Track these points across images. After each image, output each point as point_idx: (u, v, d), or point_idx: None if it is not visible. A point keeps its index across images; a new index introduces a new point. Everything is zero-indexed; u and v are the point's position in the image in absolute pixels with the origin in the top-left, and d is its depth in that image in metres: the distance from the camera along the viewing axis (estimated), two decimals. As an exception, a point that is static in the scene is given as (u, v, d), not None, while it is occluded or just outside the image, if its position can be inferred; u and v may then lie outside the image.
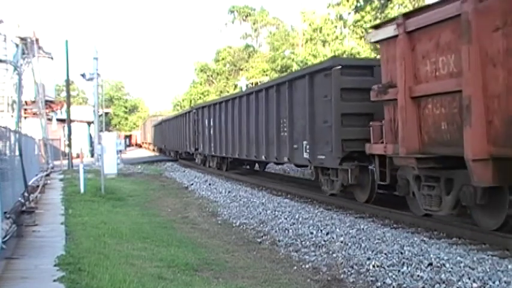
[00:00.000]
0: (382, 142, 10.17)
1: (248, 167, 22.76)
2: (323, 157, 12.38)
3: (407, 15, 9.35)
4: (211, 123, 23.49)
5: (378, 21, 24.85)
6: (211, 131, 23.54)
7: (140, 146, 73.91)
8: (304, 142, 13.32)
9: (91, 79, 29.01)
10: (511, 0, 6.74)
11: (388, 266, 7.09)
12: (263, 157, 16.74)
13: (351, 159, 11.57)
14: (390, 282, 6.54)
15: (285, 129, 14.58)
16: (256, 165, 22.52)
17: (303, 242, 9.13)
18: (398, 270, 6.86)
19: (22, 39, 27.48)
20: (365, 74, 11.49)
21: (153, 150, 55.58)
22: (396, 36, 9.33)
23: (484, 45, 7.48)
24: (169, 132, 38.46)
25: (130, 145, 73.09)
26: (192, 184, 20.43)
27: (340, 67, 11.63)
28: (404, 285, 6.38)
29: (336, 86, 11.58)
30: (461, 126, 7.84)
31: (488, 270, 6.43)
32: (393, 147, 9.67)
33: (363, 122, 11.16)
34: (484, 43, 7.48)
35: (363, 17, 28.61)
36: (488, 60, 7.43)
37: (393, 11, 26.81)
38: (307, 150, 13.17)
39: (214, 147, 23.11)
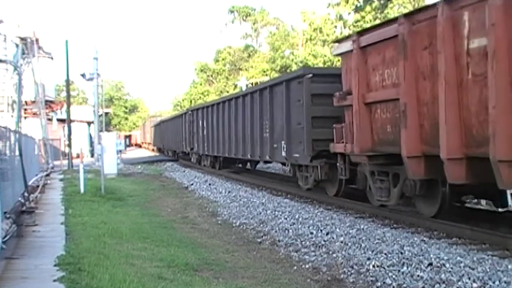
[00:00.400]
0: (343, 142, 11.43)
1: (241, 165, 23.75)
2: (297, 155, 13.77)
3: (360, 33, 10.83)
4: (205, 124, 24.89)
5: (377, 21, 24.95)
6: (205, 132, 24.88)
7: (140, 146, 74.45)
8: (282, 142, 14.72)
9: (91, 79, 29.01)
10: (434, 25, 8.24)
11: (388, 266, 7.09)
12: (249, 155, 18.22)
13: (320, 157, 12.88)
14: (390, 282, 6.54)
15: (267, 130, 16.08)
16: (248, 164, 23.40)
17: (303, 242, 9.13)
18: (398, 270, 6.86)
19: (22, 39, 27.48)
20: (333, 82, 12.35)
21: (153, 150, 56.54)
22: (352, 50, 10.74)
23: (416, 61, 8.89)
24: (167, 133, 39.81)
25: (130, 145, 73.18)
26: (192, 184, 20.44)
27: (311, 75, 13.14)
28: (404, 285, 6.38)
29: (307, 92, 13.03)
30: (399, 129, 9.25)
31: (488, 270, 6.43)
32: (351, 146, 10.92)
33: (331, 124, 12.18)
34: (416, 59, 8.90)
35: (363, 17, 28.60)
36: (420, 73, 8.83)
37: (393, 11, 26.81)
38: (285, 149, 14.59)
39: (208, 146, 24.43)
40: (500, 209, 10.27)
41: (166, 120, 43.32)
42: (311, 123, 13.01)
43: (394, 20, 9.84)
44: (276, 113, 15.38)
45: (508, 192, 9.44)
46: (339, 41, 12.57)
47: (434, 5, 8.48)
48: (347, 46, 11.13)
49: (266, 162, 19.71)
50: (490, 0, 7.17)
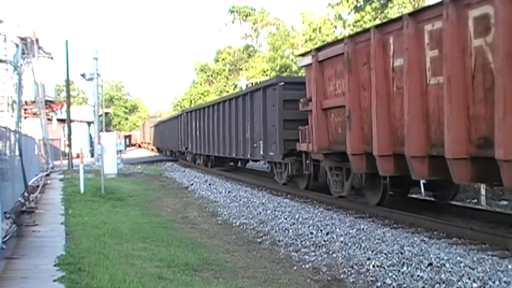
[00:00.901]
0: (306, 142, 13.17)
1: (232, 164, 25.11)
2: (272, 154, 15.75)
3: (318, 49, 12.66)
4: (198, 126, 26.84)
5: (377, 21, 24.97)
6: (198, 132, 26.83)
7: (140, 146, 74.95)
8: (260, 142, 16.68)
9: (91, 79, 29.02)
10: (369, 46, 10.01)
11: (388, 266, 7.09)
12: (234, 154, 20.27)
13: (291, 155, 14.71)
14: (390, 282, 6.54)
15: (248, 131, 18.03)
16: (239, 162, 24.72)
17: (303, 242, 9.13)
18: (398, 270, 6.86)
19: (22, 39, 27.47)
20: (302, 89, 13.57)
21: (152, 149, 57.63)
22: (311, 64, 12.53)
23: (358, 75, 10.65)
24: (165, 133, 41.63)
25: (130, 145, 73.32)
26: (192, 184, 20.44)
27: (283, 83, 15.17)
28: (404, 285, 6.38)
29: (279, 98, 14.98)
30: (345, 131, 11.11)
31: (488, 270, 6.43)
32: (312, 145, 12.75)
33: (299, 126, 13.74)
34: (358, 73, 10.64)
35: (362, 17, 28.59)
36: (361, 85, 10.57)
37: (393, 11, 26.79)
38: (262, 149, 16.58)
39: (200, 146, 26.30)
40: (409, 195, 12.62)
41: (164, 121, 44.78)
42: (283, 125, 14.88)
43: (342, 39, 11.63)
44: (255, 116, 17.29)
45: (421, 182, 11.45)
46: (302, 54, 14.45)
47: (368, 29, 10.47)
48: (308, 60, 12.88)
49: (254, 160, 21.52)
50: (405, 29, 8.96)
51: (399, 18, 9.42)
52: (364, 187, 11.56)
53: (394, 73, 9.54)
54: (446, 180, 8.57)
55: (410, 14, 9.12)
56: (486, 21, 7.35)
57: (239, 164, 24.97)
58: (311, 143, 12.82)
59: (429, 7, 8.88)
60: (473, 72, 7.69)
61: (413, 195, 12.98)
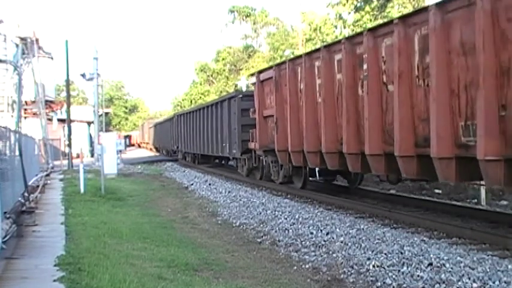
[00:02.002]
0: (254, 141, 16.96)
1: (217, 160, 27.91)
2: (235, 151, 19.52)
3: (260, 71, 16.70)
4: (185, 128, 30.71)
5: (378, 21, 24.98)
6: (186, 134, 30.78)
7: (139, 146, 75.66)
8: (227, 142, 20.47)
9: (91, 79, 29.01)
10: (287, 73, 13.76)
11: (388, 266, 7.08)
12: (212, 152, 23.91)
13: (248, 152, 18.33)
14: (390, 282, 6.54)
15: (219, 133, 21.80)
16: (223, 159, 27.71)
17: (303, 242, 9.13)
18: (398, 270, 6.86)
19: (22, 39, 27.48)
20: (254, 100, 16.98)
21: (150, 149, 59.53)
22: (255, 82, 16.50)
23: (282, 93, 14.34)
24: (162, 134, 45.33)
25: (130, 145, 73.49)
26: (192, 184, 20.45)
27: (241, 96, 19.22)
28: (404, 285, 6.38)
29: (238, 107, 18.84)
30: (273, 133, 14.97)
31: (488, 270, 6.43)
32: (256, 144, 16.62)
33: (250, 130, 17.44)
34: (282, 91, 14.35)
35: (362, 16, 28.58)
36: (284, 100, 14.14)
37: (393, 10, 26.77)
38: (228, 147, 20.41)
39: (188, 145, 30.19)
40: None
41: (160, 123, 48.41)
42: (241, 129, 18.55)
43: (271, 67, 15.66)
44: (223, 121, 21.06)
45: (317, 169, 14.21)
46: (251, 74, 18.91)
47: (285, 61, 14.55)
48: (253, 79, 16.96)
49: (224, 157, 24.77)
50: (303, 64, 12.86)
51: (300, 56, 13.54)
52: (292, 175, 15.37)
53: (300, 93, 13.22)
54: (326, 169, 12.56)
55: (307, 54, 13.16)
56: (339, 64, 11.31)
57: (223, 161, 27.62)
58: (256, 142, 16.62)
59: (315, 50, 12.95)
60: (337, 96, 11.43)
61: (339, 183, 16.39)
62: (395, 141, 9.26)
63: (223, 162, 26.56)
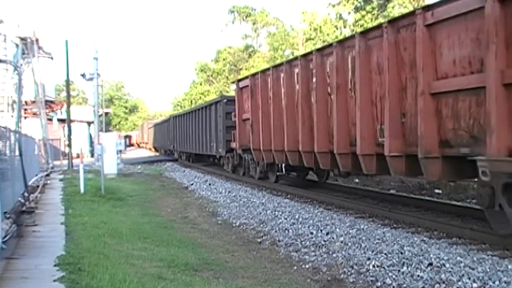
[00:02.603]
0: (235, 141, 19.20)
1: (211, 159, 29.08)
2: (220, 150, 21.74)
3: (239, 80, 19.27)
4: (180, 128, 33.00)
5: (379, 21, 24.97)
6: (181, 134, 33.03)
7: (138, 145, 76.54)
8: (215, 142, 22.68)
9: (91, 79, 28.99)
10: (260, 82, 16.06)
11: (388, 266, 7.08)
12: (201, 151, 26.34)
13: (231, 151, 20.61)
14: (390, 282, 6.53)
15: (208, 134, 24.09)
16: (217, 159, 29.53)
17: (303, 242, 9.13)
18: (398, 270, 6.86)
19: (22, 39, 27.49)
20: None
21: (150, 149, 60.77)
22: (236, 89, 18.85)
23: (256, 99, 16.51)
24: (159, 134, 47.68)
25: (130, 145, 73.70)
26: (192, 184, 20.45)
27: (226, 100, 21.35)
28: (404, 285, 6.38)
29: (223, 110, 21.01)
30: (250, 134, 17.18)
31: (488, 270, 6.43)
32: (236, 144, 18.94)
33: (232, 131, 19.58)
34: (256, 98, 16.48)
35: (363, 16, 28.60)
36: (257, 105, 16.26)
37: (394, 10, 26.79)
38: (215, 147, 22.72)
39: (183, 145, 32.46)
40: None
41: (158, 124, 50.74)
42: (225, 130, 20.62)
43: (247, 76, 18.05)
44: (212, 123, 23.20)
45: (283, 165, 16.57)
46: (233, 82, 20.94)
47: (257, 73, 17.14)
48: (234, 86, 19.26)
49: (212, 155, 26.66)
50: (270, 76, 15.27)
51: (269, 68, 15.75)
52: (267, 171, 17.61)
53: (270, 100, 15.23)
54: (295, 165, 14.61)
55: (274, 66, 15.59)
56: (297, 77, 13.50)
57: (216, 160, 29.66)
58: (236, 142, 18.89)
59: (280, 64, 15.20)
60: (296, 103, 13.59)
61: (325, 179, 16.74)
62: (334, 141, 11.42)
63: (215, 160, 27.19)
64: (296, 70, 13.56)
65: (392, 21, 9.72)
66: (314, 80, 12.43)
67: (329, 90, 11.89)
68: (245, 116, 17.76)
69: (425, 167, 8.79)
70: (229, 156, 21.21)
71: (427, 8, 8.79)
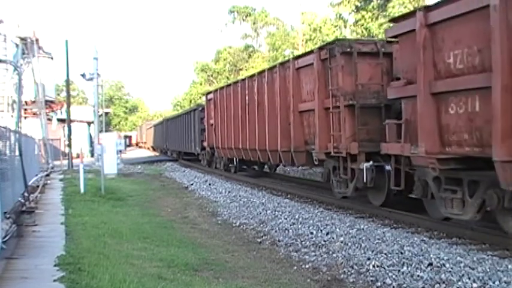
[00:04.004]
0: (206, 141, 24.65)
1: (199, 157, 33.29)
2: (197, 148, 27.68)
3: (208, 93, 25.21)
4: (171, 130, 38.34)
5: (379, 21, 24.92)
6: (171, 135, 38.40)
7: (137, 145, 78.11)
8: (193, 141, 28.66)
9: (91, 79, 28.99)
10: (217, 95, 21.95)
11: (388, 266, 7.08)
12: (185, 149, 32.11)
13: (204, 149, 26.35)
14: (390, 282, 6.53)
15: (189, 135, 29.92)
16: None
17: (303, 242, 9.13)
18: (398, 270, 6.86)
19: (22, 39, 27.47)
20: None
21: (148, 148, 63.10)
22: (206, 100, 24.56)
23: (218, 109, 21.72)
24: (156, 135, 52.02)
25: (130, 145, 73.91)
26: (192, 184, 20.44)
27: (200, 108, 26.96)
28: (404, 285, 6.38)
29: (198, 117, 27.01)
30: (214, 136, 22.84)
31: (488, 270, 6.43)
32: (207, 143, 24.40)
33: (204, 132, 25.63)
34: (218, 108, 21.84)
35: (363, 16, 28.57)
36: (218, 114, 21.60)
37: (395, 10, 26.73)
38: (193, 145, 28.54)
39: (173, 145, 37.92)
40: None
41: (155, 125, 55.03)
42: (200, 132, 26.71)
43: (211, 91, 24.27)
44: (191, 126, 28.91)
45: (236, 160, 21.44)
46: (203, 94, 28.26)
47: (216, 89, 22.52)
48: (205, 98, 25.30)
49: (191, 153, 31.63)
50: (231, 89, 20.21)
51: (223, 87, 21.73)
52: (229, 165, 22.55)
53: (226, 109, 20.45)
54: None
55: (227, 85, 21.11)
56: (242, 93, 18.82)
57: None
58: (206, 142, 24.89)
59: (229, 84, 21.01)
60: (243, 112, 18.51)
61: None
62: (266, 141, 16.01)
63: (198, 157, 31.36)
64: (239, 89, 19.09)
65: (282, 63, 15.24)
66: (247, 98, 18.05)
67: (256, 105, 16.96)
68: (211, 122, 23.24)
69: (296, 157, 14.15)
70: (204, 153, 26.88)
71: (296, 57, 14.37)
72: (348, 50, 11.41)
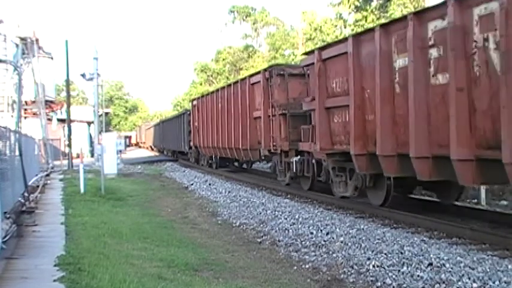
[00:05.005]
0: (192, 140, 28.42)
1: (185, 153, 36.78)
2: (186, 147, 31.26)
3: (193, 99, 29.97)
4: (166, 131, 42.05)
5: (381, 21, 24.95)
6: (166, 135, 42.06)
7: (137, 144, 78.95)
8: (182, 141, 32.30)
9: (91, 79, 28.95)
10: (199, 101, 26.73)
11: (388, 266, 7.08)
12: (177, 149, 35.81)
13: (191, 148, 29.72)
14: (390, 282, 6.53)
15: (179, 136, 33.37)
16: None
17: (303, 242, 9.13)
18: (398, 270, 6.86)
19: (22, 39, 27.46)
20: None
21: (147, 148, 65.04)
22: (191, 105, 29.08)
23: (201, 114, 26.23)
24: (154, 135, 55.00)
25: (130, 145, 74.06)
26: (192, 184, 20.44)
27: (188, 113, 30.18)
28: (404, 285, 6.38)
29: (186, 119, 30.40)
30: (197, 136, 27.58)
31: (488, 270, 6.43)
32: (193, 142, 28.42)
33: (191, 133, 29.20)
34: (201, 113, 26.21)
35: (363, 16, 28.56)
36: (201, 118, 25.98)
37: (395, 10, 26.74)
38: (182, 145, 32.34)
39: (168, 144, 41.73)
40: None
41: (153, 126, 58.15)
42: (188, 133, 30.01)
43: (195, 98, 29.36)
44: (181, 128, 32.42)
45: (220, 157, 24.45)
46: (190, 100, 32.31)
47: (198, 97, 28.25)
48: (191, 104, 29.08)
49: (181, 152, 35.52)
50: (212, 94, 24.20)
51: (203, 95, 26.49)
52: (215, 162, 25.34)
53: (207, 114, 24.25)
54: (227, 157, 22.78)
55: (207, 94, 25.00)
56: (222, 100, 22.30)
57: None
58: (192, 141, 28.63)
59: (210, 93, 24.78)
60: (220, 115, 22.13)
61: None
62: (239, 141, 19.17)
63: (188, 155, 34.63)
64: (215, 98, 22.83)
65: (243, 79, 19.45)
66: (220, 105, 21.79)
67: (226, 111, 20.67)
68: (196, 124, 27.05)
69: (251, 154, 18.25)
70: (191, 152, 30.52)
71: (251, 75, 18.57)
72: (282, 72, 15.56)
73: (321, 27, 36.80)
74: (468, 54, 7.59)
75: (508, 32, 6.80)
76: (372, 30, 10.13)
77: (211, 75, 62.91)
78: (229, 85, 20.99)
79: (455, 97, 7.72)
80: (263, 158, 17.70)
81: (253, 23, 58.69)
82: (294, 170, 14.30)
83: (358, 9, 28.94)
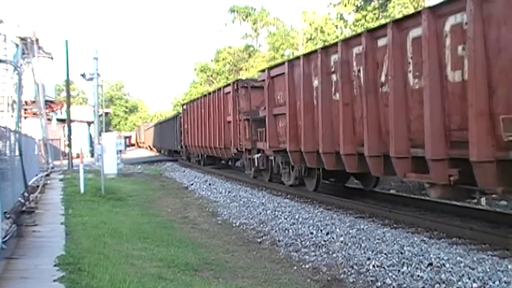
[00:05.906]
0: (183, 140, 32.09)
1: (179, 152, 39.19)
2: (179, 146, 34.45)
3: (183, 104, 35.08)
4: (163, 131, 44.94)
5: (380, 21, 24.95)
6: (162, 135, 45.03)
7: (137, 144, 79.58)
8: (175, 141, 35.36)
9: (91, 79, 28.94)
10: (189, 106, 30.51)
11: (388, 266, 7.08)
12: (172, 148, 38.38)
13: (182, 147, 32.97)
14: (390, 282, 6.53)
15: (173, 136, 36.16)
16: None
17: (303, 242, 9.13)
18: (398, 270, 6.86)
19: (22, 39, 27.45)
20: None
21: (146, 148, 66.19)
22: (182, 109, 33.55)
23: (190, 117, 29.53)
24: (153, 135, 57.19)
25: (130, 145, 74.14)
26: (192, 184, 20.44)
27: (180, 116, 33.54)
28: (404, 285, 6.38)
29: (179, 121, 33.55)
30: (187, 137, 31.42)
31: (488, 270, 6.43)
32: (183, 142, 32.22)
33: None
34: (190, 117, 29.77)
35: (363, 16, 28.55)
36: (190, 121, 29.70)
37: (395, 10, 26.73)
38: (175, 144, 35.46)
39: (164, 144, 44.65)
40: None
41: (152, 126, 60.78)
42: (180, 133, 32.94)
43: (184, 104, 33.92)
44: (174, 129, 35.40)
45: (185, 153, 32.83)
46: (181, 105, 37.11)
47: (187, 103, 32.85)
48: (182, 108, 33.21)
49: (175, 151, 38.40)
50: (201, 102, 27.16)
51: (188, 102, 31.79)
52: (203, 159, 28.12)
53: (195, 118, 27.62)
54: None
55: (194, 100, 29.94)
56: (205, 106, 26.03)
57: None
58: (183, 141, 31.63)
59: (195, 99, 29.88)
60: (204, 121, 25.64)
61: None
62: (222, 141, 21.89)
63: (180, 153, 37.18)
64: (199, 103, 26.57)
65: (219, 89, 22.87)
66: (202, 110, 25.41)
67: (208, 115, 24.15)
68: (185, 126, 30.41)
69: (226, 152, 21.44)
70: (183, 151, 33.44)
71: (224, 86, 22.08)
72: (246, 85, 19.17)
73: (321, 27, 36.77)
74: (351, 79, 10.83)
75: (367, 67, 10.09)
76: (298, 58, 13.44)
77: (211, 75, 62.88)
78: (210, 93, 24.87)
79: (343, 109, 10.94)
80: (233, 155, 20.77)
81: (253, 23, 58.68)
82: (256, 165, 17.21)
83: (358, 9, 28.93)
